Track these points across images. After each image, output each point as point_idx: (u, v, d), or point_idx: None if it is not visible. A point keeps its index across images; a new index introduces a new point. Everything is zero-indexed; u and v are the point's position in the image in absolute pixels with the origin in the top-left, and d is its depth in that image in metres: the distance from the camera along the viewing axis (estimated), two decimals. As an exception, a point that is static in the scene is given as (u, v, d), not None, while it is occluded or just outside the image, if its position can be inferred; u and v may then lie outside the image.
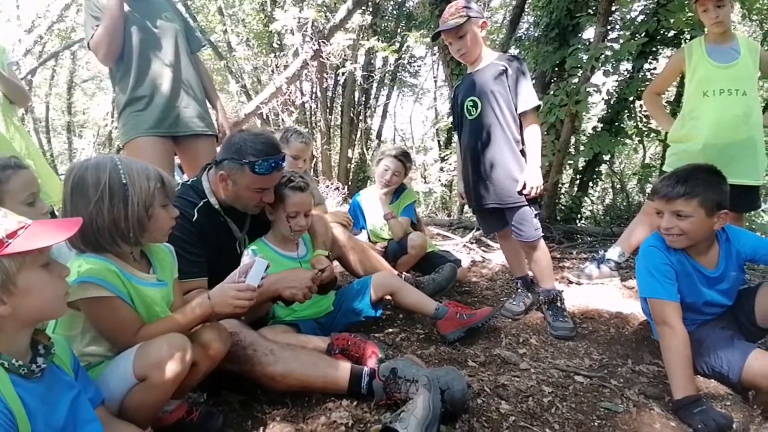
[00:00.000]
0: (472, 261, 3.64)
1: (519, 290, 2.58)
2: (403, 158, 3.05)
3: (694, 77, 2.47)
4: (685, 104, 2.56)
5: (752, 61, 2.42)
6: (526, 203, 2.26)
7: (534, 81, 5.52)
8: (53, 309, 1.04)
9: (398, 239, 2.93)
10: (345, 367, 1.59)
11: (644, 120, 5.00)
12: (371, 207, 3.15)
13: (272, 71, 8.63)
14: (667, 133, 2.76)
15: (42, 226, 0.98)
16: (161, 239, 1.45)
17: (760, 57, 2.44)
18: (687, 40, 4.34)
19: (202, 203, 1.87)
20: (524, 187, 2.22)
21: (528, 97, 2.22)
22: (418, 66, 13.15)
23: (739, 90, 2.37)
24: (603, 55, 3.88)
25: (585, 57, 4.03)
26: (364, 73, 10.14)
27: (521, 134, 2.29)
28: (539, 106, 2.27)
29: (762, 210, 6.16)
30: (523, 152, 2.30)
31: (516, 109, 2.25)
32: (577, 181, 5.64)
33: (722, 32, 2.43)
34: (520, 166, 2.27)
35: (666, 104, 5.29)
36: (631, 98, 4.69)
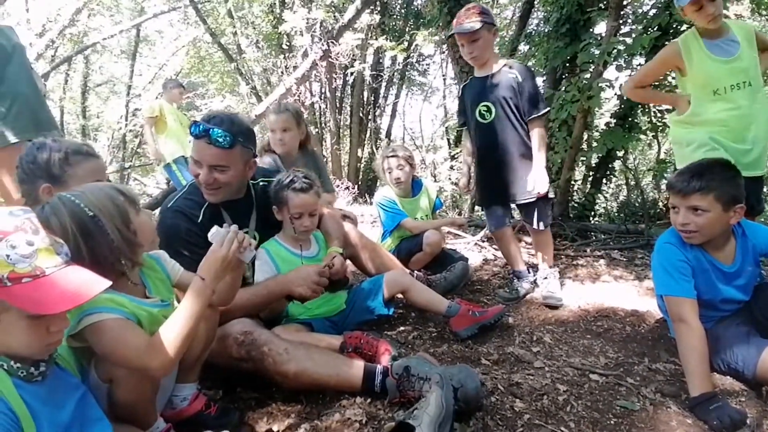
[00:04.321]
0: (483, 259, 3.63)
1: (514, 281, 2.77)
2: (399, 152, 2.97)
3: (699, 77, 2.33)
4: (693, 106, 2.37)
5: (750, 47, 2.29)
6: (539, 199, 2.50)
7: (545, 77, 5.51)
8: (29, 353, 0.98)
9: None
10: (358, 366, 1.60)
11: (658, 115, 4.92)
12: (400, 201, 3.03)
13: (282, 72, 8.69)
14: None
15: (51, 286, 0.93)
16: (152, 247, 1.39)
17: (756, 39, 2.31)
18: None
19: (207, 203, 1.87)
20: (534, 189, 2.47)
21: (537, 104, 2.37)
22: (426, 64, 13.13)
23: (746, 82, 2.27)
24: (615, 50, 3.83)
25: (597, 52, 3.98)
26: (373, 72, 10.16)
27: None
28: (548, 112, 2.44)
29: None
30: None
31: (525, 115, 2.41)
32: (590, 178, 5.56)
33: (718, 26, 2.29)
34: (531, 167, 2.48)
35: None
36: (644, 93, 4.61)
